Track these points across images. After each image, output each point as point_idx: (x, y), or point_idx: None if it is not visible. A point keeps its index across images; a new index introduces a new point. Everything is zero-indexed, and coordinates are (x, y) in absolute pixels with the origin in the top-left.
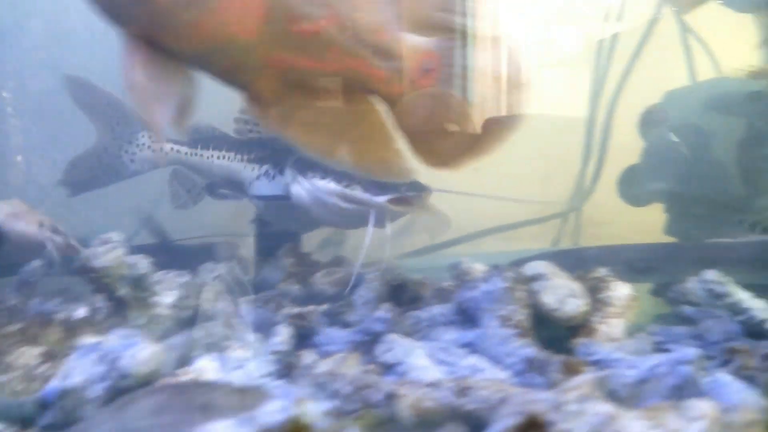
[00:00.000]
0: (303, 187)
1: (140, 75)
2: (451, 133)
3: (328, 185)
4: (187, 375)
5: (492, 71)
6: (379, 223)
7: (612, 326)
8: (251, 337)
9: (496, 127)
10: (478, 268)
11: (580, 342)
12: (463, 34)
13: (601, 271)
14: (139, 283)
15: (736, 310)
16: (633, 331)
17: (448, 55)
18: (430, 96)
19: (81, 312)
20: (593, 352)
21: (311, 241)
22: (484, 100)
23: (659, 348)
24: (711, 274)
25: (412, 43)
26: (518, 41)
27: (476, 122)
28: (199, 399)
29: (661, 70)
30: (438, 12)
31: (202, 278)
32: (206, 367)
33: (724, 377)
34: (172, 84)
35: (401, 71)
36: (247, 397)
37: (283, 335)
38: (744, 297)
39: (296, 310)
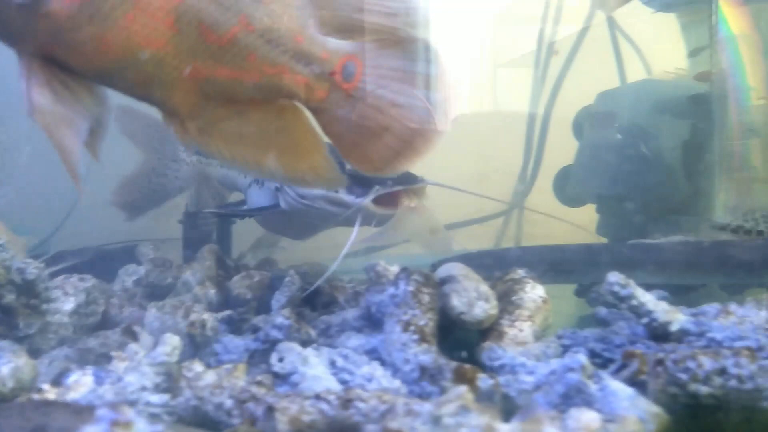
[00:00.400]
0: (288, 195)
1: (44, 98)
2: (381, 136)
3: (311, 190)
4: (57, 391)
5: (418, 73)
6: (368, 222)
7: (521, 330)
8: (135, 347)
9: (427, 130)
10: (394, 270)
11: (486, 346)
12: (387, 36)
13: (519, 273)
14: (28, 289)
15: (639, 312)
16: (544, 334)
17: (372, 58)
18: (359, 100)
19: None
20: (497, 357)
21: (243, 243)
22: (412, 102)
23: (566, 351)
24: (614, 277)
25: (333, 46)
26: (448, 43)
27: (407, 124)
28: (35, 421)
29: (598, 72)
30: (359, 14)
31: (120, 281)
32: (80, 382)
33: (614, 384)
34: (81, 104)
35: (324, 76)
36: (84, 418)
37: (171, 344)
38: (647, 299)
39: (196, 316)
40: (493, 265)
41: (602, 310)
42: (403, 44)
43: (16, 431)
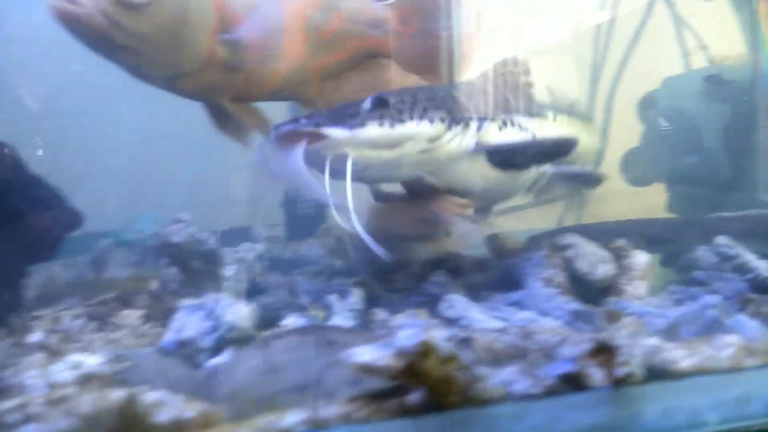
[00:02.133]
0: None
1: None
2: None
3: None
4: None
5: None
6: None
7: (636, 287)
8: (331, 298)
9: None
10: (511, 240)
11: (611, 300)
12: None
13: (620, 242)
14: (209, 257)
15: (743, 270)
16: (654, 291)
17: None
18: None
19: (154, 284)
20: (625, 307)
21: None
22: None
23: (679, 304)
24: (722, 240)
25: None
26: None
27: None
28: (325, 338)
29: (655, 56)
30: None
31: (245, 255)
32: (294, 323)
33: (743, 318)
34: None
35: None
36: (356, 337)
37: (356, 296)
38: (750, 258)
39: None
40: (593, 236)
41: (699, 273)
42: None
43: (317, 346)
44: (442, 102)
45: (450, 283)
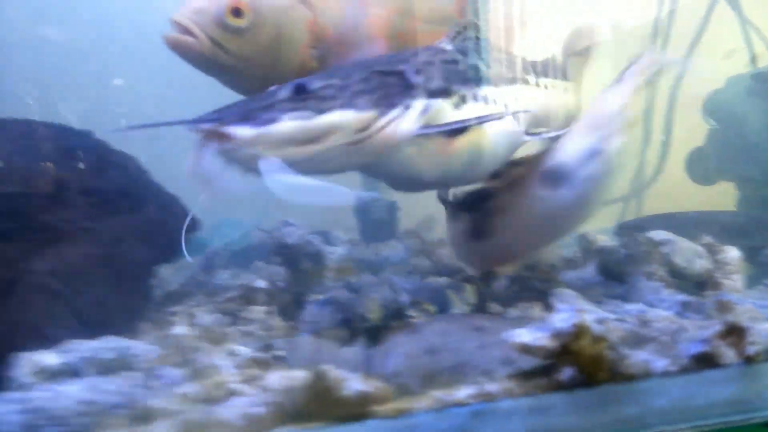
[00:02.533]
0: None
1: None
2: None
3: None
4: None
5: None
6: None
7: (733, 281)
8: (448, 292)
9: None
10: (602, 237)
11: (709, 294)
12: None
13: (706, 238)
14: (317, 257)
15: None
16: (749, 284)
17: None
18: None
19: (261, 283)
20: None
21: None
22: None
23: None
24: None
25: None
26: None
27: None
28: (471, 325)
29: (715, 55)
30: None
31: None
32: (417, 315)
33: None
34: None
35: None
36: (499, 323)
37: (469, 291)
38: None
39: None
40: (674, 227)
41: None
42: None
43: (464, 331)
44: (381, 82)
45: (551, 278)
